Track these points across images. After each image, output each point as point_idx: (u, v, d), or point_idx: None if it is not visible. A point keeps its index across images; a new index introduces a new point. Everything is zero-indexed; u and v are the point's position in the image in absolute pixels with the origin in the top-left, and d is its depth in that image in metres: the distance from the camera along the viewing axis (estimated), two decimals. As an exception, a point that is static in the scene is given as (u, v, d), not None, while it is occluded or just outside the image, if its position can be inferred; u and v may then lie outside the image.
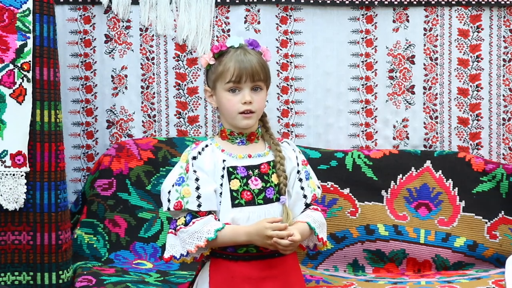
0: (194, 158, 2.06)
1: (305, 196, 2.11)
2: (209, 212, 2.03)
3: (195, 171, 2.04)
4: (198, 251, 2.01)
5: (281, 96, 2.86)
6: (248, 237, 1.99)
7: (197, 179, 2.04)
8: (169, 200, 2.05)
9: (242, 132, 2.09)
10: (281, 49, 2.85)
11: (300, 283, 2.13)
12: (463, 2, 2.85)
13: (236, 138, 2.10)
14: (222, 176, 2.05)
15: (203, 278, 2.09)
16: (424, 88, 2.89)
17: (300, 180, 2.11)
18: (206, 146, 2.10)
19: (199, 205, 2.02)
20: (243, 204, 2.04)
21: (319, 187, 2.17)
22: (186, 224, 2.02)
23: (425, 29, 2.87)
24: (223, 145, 2.10)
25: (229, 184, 2.05)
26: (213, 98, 2.12)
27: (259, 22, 2.84)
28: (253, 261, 2.04)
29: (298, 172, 2.12)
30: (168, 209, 2.05)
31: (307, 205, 2.12)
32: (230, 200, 2.04)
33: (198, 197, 2.02)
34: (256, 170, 2.07)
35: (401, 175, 2.73)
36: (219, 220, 2.04)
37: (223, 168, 2.06)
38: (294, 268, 2.12)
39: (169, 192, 2.05)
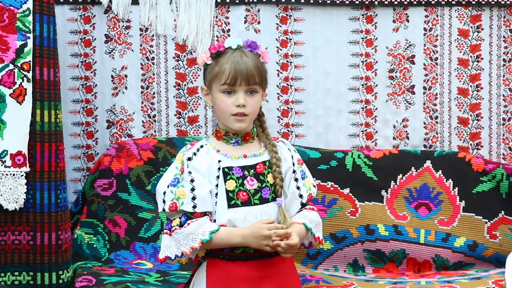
0: (189, 159, 2.06)
1: (301, 196, 2.10)
2: (204, 214, 2.03)
3: (190, 172, 2.04)
4: (192, 252, 2.01)
5: (281, 96, 2.86)
6: (243, 239, 1.99)
7: (192, 180, 2.03)
8: (164, 201, 2.04)
9: (237, 132, 2.09)
10: (281, 49, 2.85)
11: (296, 283, 2.13)
12: (463, 2, 2.85)
13: (231, 139, 2.10)
14: (218, 177, 2.05)
15: (199, 279, 2.08)
16: (424, 88, 2.89)
17: (296, 180, 2.11)
18: (202, 146, 2.09)
19: (194, 206, 2.01)
20: (239, 204, 2.04)
21: (314, 186, 2.17)
22: (181, 225, 2.01)
23: (425, 29, 2.87)
24: (218, 145, 2.10)
25: (225, 184, 2.04)
26: (209, 97, 2.11)
27: (259, 22, 2.84)
28: (250, 261, 2.03)
29: (294, 171, 2.11)
30: (163, 210, 2.04)
31: (303, 205, 2.12)
32: (226, 200, 2.03)
33: (193, 198, 2.02)
34: (252, 170, 2.07)
35: (401, 175, 2.73)
36: (214, 221, 2.04)
37: (219, 168, 2.06)
38: (291, 269, 2.12)
39: (164, 193, 2.04)
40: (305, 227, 2.07)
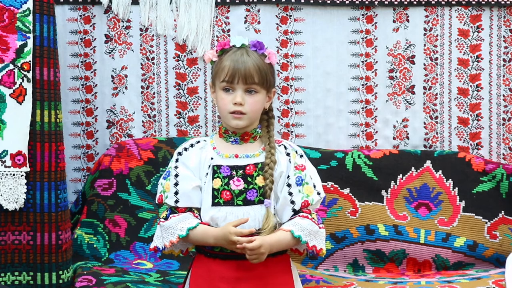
0: (179, 153, 2.09)
1: (292, 202, 2.05)
2: (189, 209, 2.04)
3: (176, 167, 2.07)
4: (174, 246, 2.03)
5: (281, 96, 2.86)
6: (216, 240, 1.99)
7: (176, 175, 2.05)
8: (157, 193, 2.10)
9: (235, 131, 2.10)
10: (281, 49, 2.85)
11: None
12: (463, 2, 2.85)
13: (230, 137, 2.10)
14: (207, 174, 2.06)
15: (189, 274, 2.11)
16: (424, 88, 2.89)
17: (289, 185, 2.06)
18: (198, 142, 2.11)
19: (176, 201, 2.04)
20: (222, 203, 2.04)
21: (318, 193, 2.09)
22: (166, 218, 2.05)
23: (425, 29, 2.87)
24: (217, 142, 2.11)
25: (212, 182, 2.05)
26: (215, 95, 2.12)
27: (259, 22, 2.84)
28: (228, 260, 2.03)
29: (288, 177, 2.07)
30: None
31: (296, 212, 2.06)
32: (211, 198, 2.04)
33: (176, 193, 2.04)
34: (240, 171, 2.06)
35: (401, 175, 2.73)
36: (200, 217, 2.04)
37: (209, 166, 2.06)
38: (280, 272, 2.06)
39: (160, 184, 2.09)
40: (291, 235, 2.00)
